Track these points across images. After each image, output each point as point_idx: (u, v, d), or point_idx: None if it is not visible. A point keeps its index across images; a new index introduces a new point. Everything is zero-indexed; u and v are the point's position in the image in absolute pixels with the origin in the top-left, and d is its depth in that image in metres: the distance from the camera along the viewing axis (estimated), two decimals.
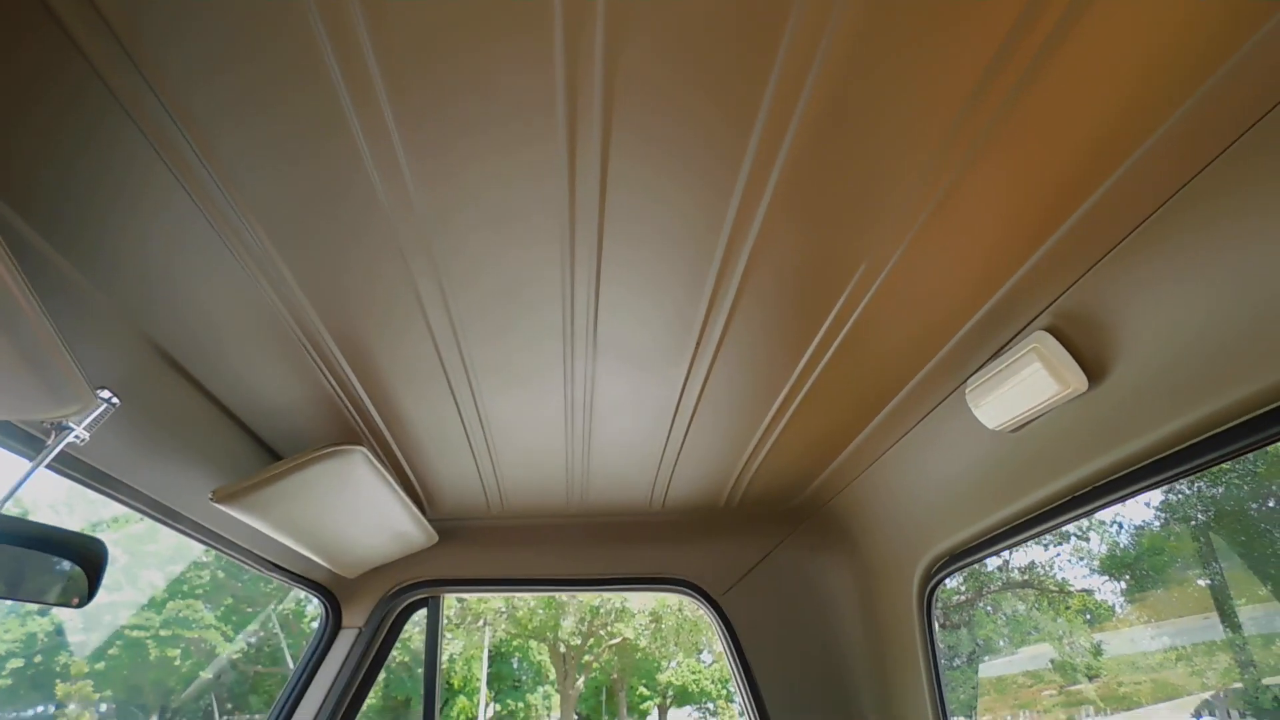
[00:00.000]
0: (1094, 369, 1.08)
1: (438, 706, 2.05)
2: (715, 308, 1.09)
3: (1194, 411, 0.96)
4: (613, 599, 14.38)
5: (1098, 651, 9.25)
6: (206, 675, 12.58)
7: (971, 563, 1.57)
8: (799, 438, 1.58)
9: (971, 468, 1.44)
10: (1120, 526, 9.15)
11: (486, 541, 2.05)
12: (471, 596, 14.29)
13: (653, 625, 14.97)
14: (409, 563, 1.97)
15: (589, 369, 1.25)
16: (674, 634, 15.13)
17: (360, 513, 1.55)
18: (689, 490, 1.87)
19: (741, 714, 2.05)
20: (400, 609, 2.02)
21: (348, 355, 1.19)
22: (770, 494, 1.92)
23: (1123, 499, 1.15)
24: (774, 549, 2.05)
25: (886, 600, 1.88)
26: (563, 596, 14.55)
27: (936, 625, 1.77)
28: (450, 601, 14.66)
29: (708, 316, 1.11)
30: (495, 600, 14.35)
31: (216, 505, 1.30)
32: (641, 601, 14.22)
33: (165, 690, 12.47)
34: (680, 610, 14.05)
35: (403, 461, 1.62)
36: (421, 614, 2.09)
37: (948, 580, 1.65)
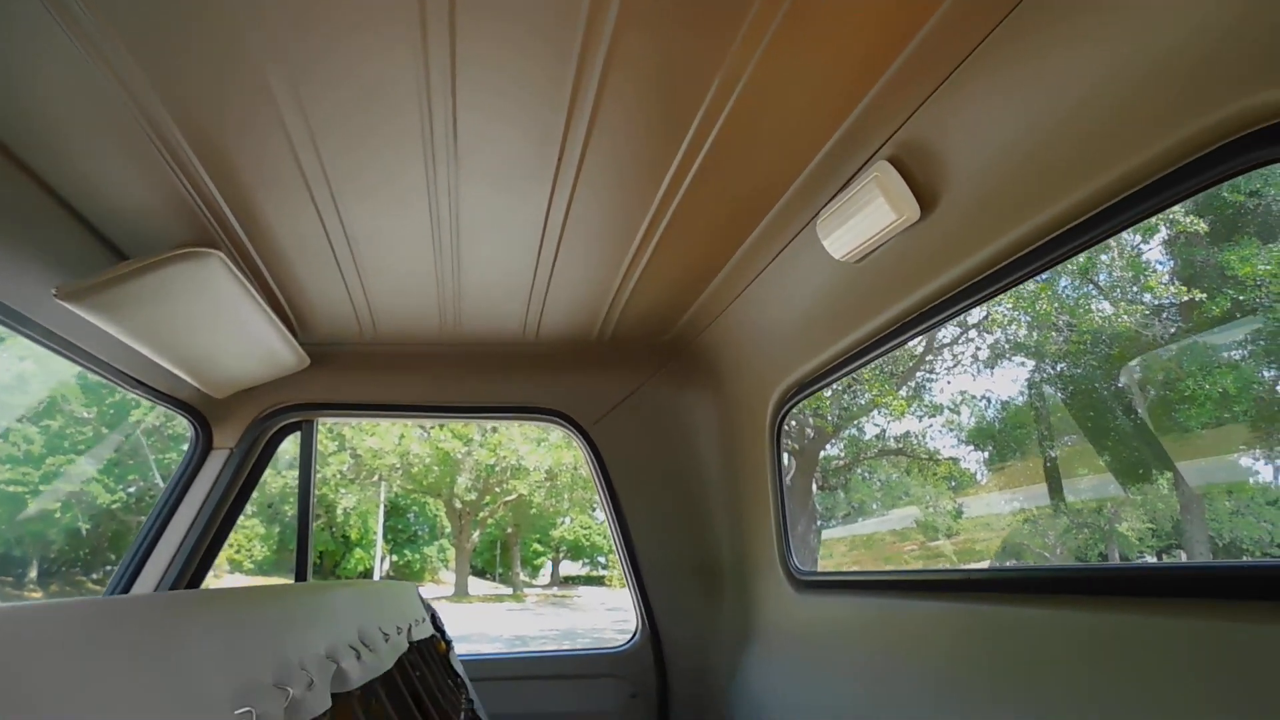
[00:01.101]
0: (927, 198, 1.16)
1: (311, 532, 2.10)
2: (575, 116, 1.10)
3: (1012, 232, 1.05)
4: (509, 456, 14.69)
5: (958, 514, 10.14)
6: (87, 526, 12.39)
7: (817, 390, 1.70)
8: (665, 270, 1.64)
9: (820, 300, 1.53)
10: (989, 401, 9.86)
11: (360, 367, 2.06)
12: (366, 451, 14.35)
13: (547, 483, 15.43)
14: (281, 386, 1.97)
15: (452, 180, 1.25)
16: (568, 490, 15.67)
17: (223, 326, 1.53)
18: (562, 321, 1.92)
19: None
20: (273, 432, 2.03)
21: (199, 154, 1.15)
22: (640, 328, 1.99)
23: (947, 320, 1.26)
24: (643, 383, 2.15)
25: (742, 430, 2.02)
26: (458, 454, 14.78)
27: (783, 453, 1.92)
28: (343, 458, 14.69)
29: (568, 126, 1.12)
30: (390, 456, 14.45)
31: (64, 304, 1.26)
32: (537, 459, 14.58)
33: (45, 542, 12.27)
34: (576, 469, 14.50)
35: (268, 276, 1.60)
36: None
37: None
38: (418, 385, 2.09)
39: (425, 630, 1.64)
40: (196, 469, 1.92)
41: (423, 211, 1.35)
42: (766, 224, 1.44)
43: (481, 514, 17.05)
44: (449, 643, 1.92)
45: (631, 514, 2.16)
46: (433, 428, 14.46)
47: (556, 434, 14.36)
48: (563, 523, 18.09)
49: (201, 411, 1.94)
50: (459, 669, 1.84)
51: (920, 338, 1.36)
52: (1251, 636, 0.72)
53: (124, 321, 1.37)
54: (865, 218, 1.22)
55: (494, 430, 14.63)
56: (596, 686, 2.19)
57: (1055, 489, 8.31)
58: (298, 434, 2.09)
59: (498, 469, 15.31)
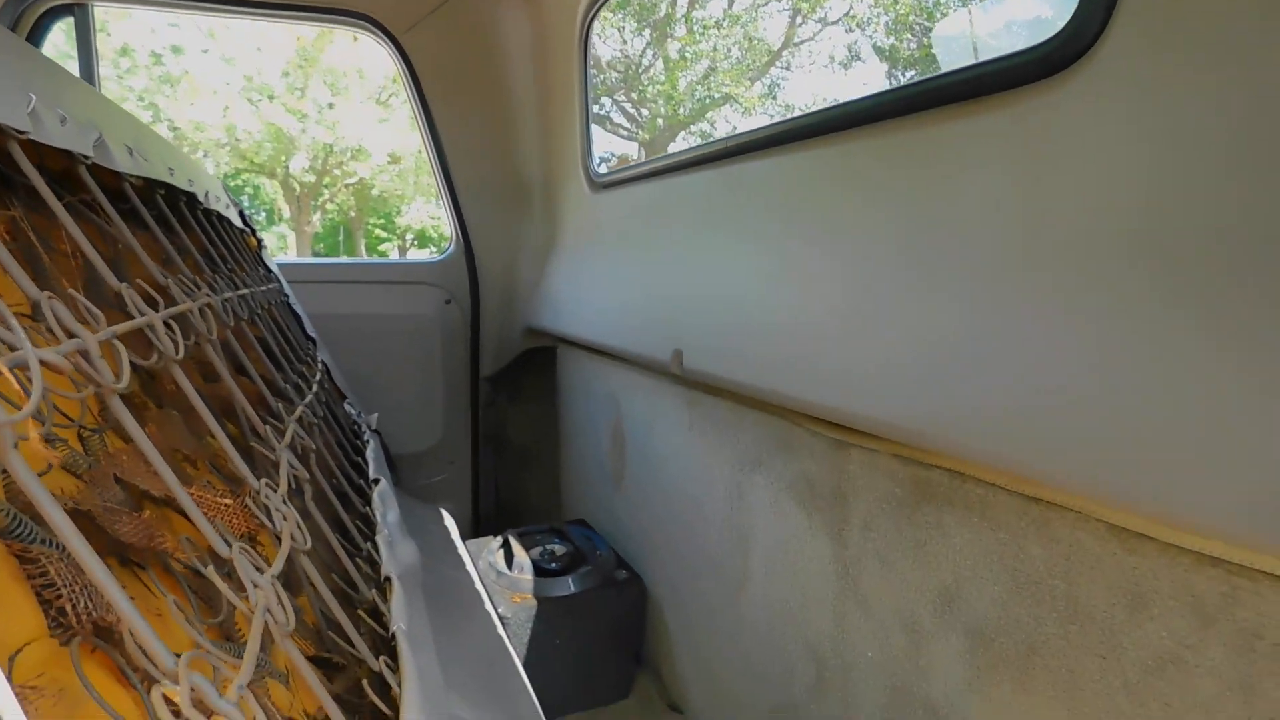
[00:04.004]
0: None
1: None
2: None
3: None
4: (346, 136, 13.92)
5: None
6: None
7: None
8: None
9: None
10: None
11: None
12: (187, 124, 13.16)
13: (391, 166, 14.88)
14: None
15: None
16: (413, 175, 15.22)
17: None
18: None
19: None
20: (40, 14, 1.90)
21: None
22: None
23: None
24: None
25: (554, 46, 2.08)
26: (293, 130, 13.83)
27: (589, 66, 2.01)
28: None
29: None
30: (212, 129, 13.35)
31: None
32: (378, 140, 13.92)
33: None
34: (420, 153, 13.98)
35: None
36: None
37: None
38: None
39: (233, 215, 1.72)
40: None
41: None
42: None
43: (321, 198, 16.40)
44: (260, 241, 2.02)
45: (445, 129, 2.23)
46: (260, 100, 13.32)
47: (400, 116, 13.62)
48: (409, 210, 17.72)
49: None
50: (272, 267, 1.96)
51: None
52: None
53: None
54: None
55: (331, 106, 13.67)
56: (414, 292, 2.39)
57: None
58: (70, 21, 1.96)
59: (336, 149, 14.54)
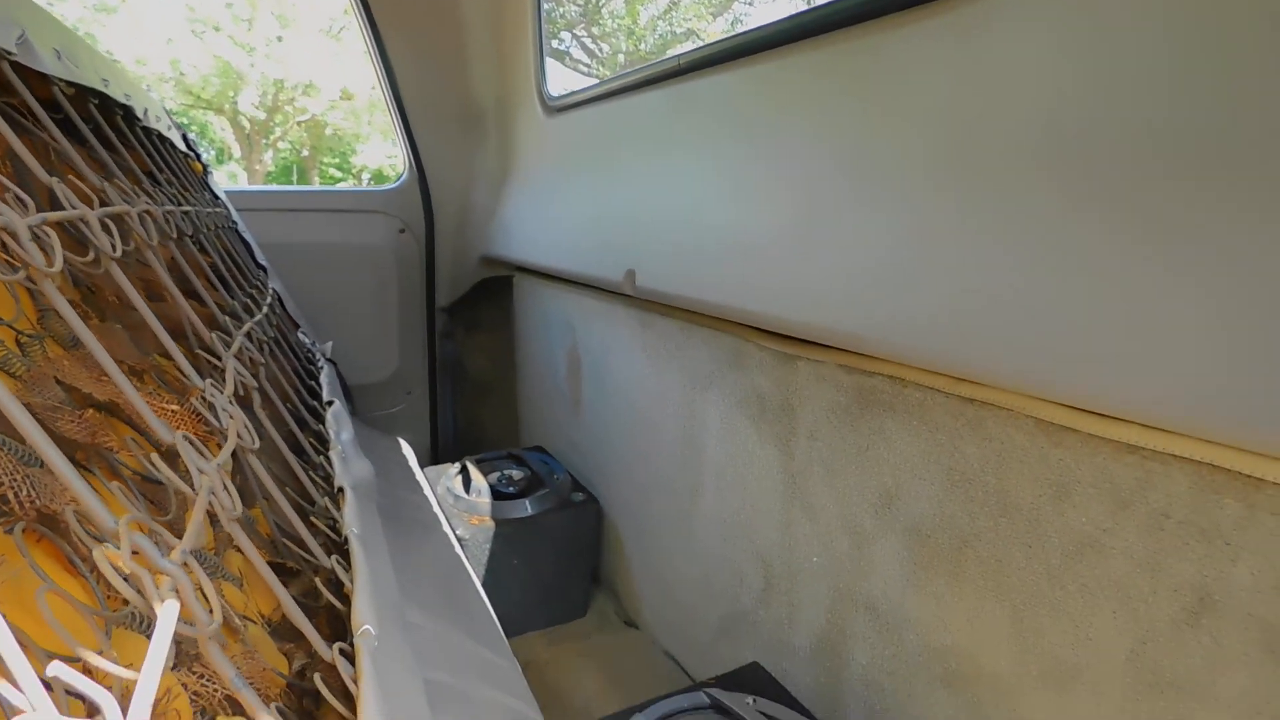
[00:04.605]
0: None
1: None
2: None
3: None
4: (297, 71, 13.46)
5: None
6: None
7: None
8: None
9: None
10: None
11: None
12: (123, 55, 12.59)
13: (343, 103, 14.45)
14: None
15: None
16: (368, 113, 14.81)
17: None
18: None
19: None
20: None
21: None
22: None
23: None
24: None
25: None
26: (243, 65, 13.33)
27: None
28: None
29: None
30: (155, 62, 12.81)
31: None
32: (330, 77, 13.48)
33: None
34: (374, 89, 13.58)
35: None
36: None
37: None
38: None
39: (175, 138, 1.66)
40: None
41: None
42: None
43: (273, 135, 15.91)
44: (205, 165, 1.97)
45: (396, 53, 2.17)
46: (205, 31, 12.79)
47: (352, 52, 13.18)
48: (363, 149, 17.28)
49: None
50: (219, 193, 1.91)
51: None
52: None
53: None
54: None
55: (280, 40, 13.17)
56: (367, 221, 2.36)
57: None
58: None
59: (286, 84, 14.06)
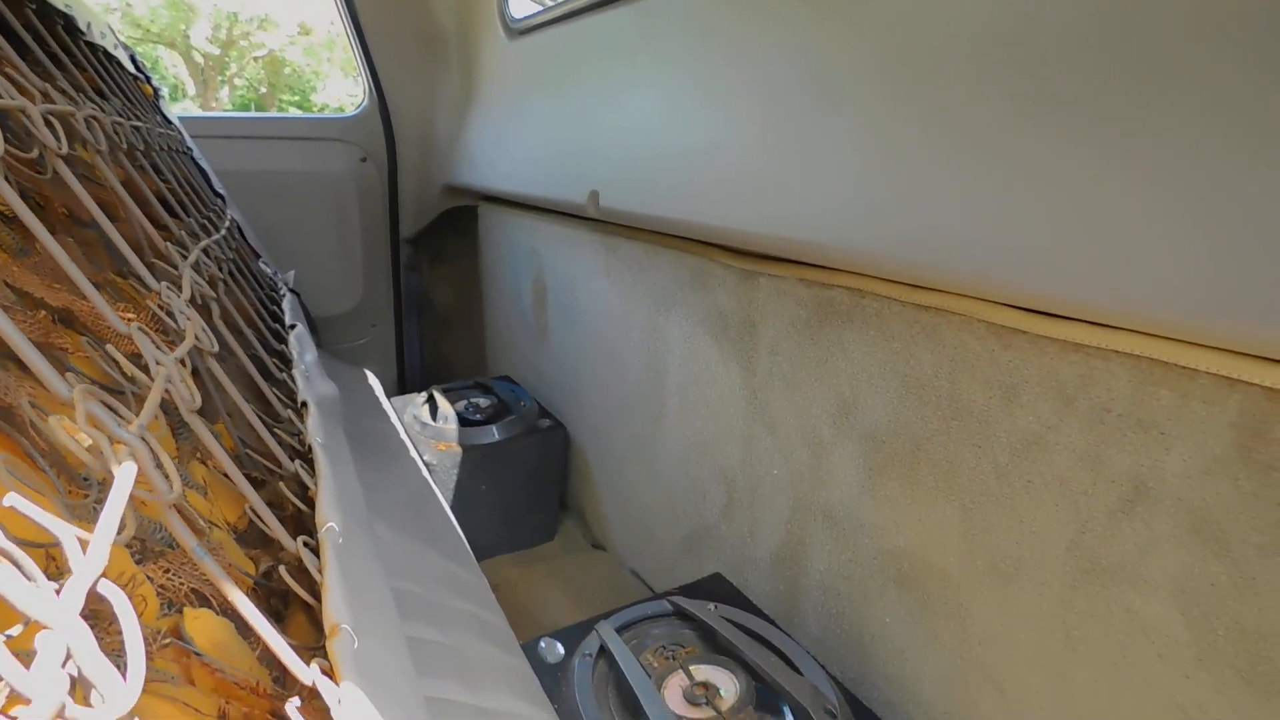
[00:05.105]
0: None
1: None
2: None
3: None
4: (251, 4, 12.96)
5: None
6: None
7: None
8: None
9: None
10: None
11: None
12: None
13: (302, 38, 13.98)
14: None
15: None
16: (327, 49, 14.35)
17: None
18: None
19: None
20: None
21: None
22: None
23: None
24: None
25: None
26: None
27: None
28: None
29: None
30: None
31: None
32: (288, 11, 13.00)
33: None
34: (334, 24, 13.13)
35: None
36: None
37: None
38: None
39: (123, 57, 1.61)
40: None
41: None
42: None
43: (228, 71, 15.38)
44: (156, 89, 1.90)
45: (368, 25, 2.11)
46: None
47: None
48: (324, 88, 16.78)
49: None
50: (171, 117, 1.85)
51: None
52: None
53: None
54: None
55: None
56: (326, 149, 2.31)
57: None
58: None
59: (241, 18, 13.55)
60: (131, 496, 0.42)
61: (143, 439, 0.46)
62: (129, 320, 0.81)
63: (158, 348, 0.60)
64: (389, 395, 1.94)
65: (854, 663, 1.08)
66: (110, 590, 0.33)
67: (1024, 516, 0.82)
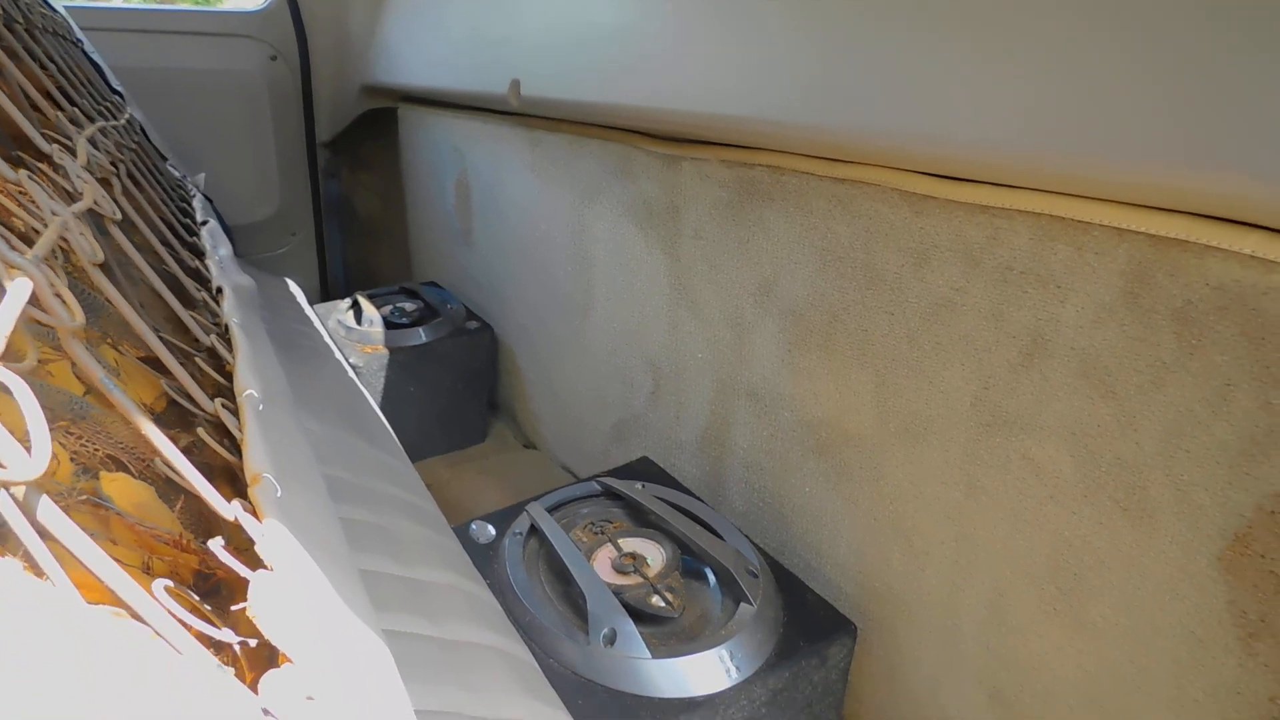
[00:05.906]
0: None
1: None
2: None
3: None
4: None
5: None
6: None
7: None
8: None
9: None
10: None
11: None
12: None
13: None
14: None
15: None
16: None
17: None
18: None
19: None
20: None
21: None
22: None
23: None
24: None
25: None
26: None
27: None
28: None
29: None
30: None
31: None
32: None
33: None
34: None
35: None
36: None
37: None
38: None
39: None
40: None
41: None
42: None
43: None
44: None
45: None
46: None
47: None
48: None
49: None
50: (55, 5, 1.72)
51: None
52: None
53: None
54: None
55: None
56: (232, 46, 2.18)
57: None
58: None
59: None
60: (30, 326, 0.41)
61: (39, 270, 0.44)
62: (19, 188, 0.77)
63: (52, 198, 0.57)
64: (312, 304, 1.90)
65: (776, 532, 1.13)
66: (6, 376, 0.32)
67: (933, 377, 0.86)
